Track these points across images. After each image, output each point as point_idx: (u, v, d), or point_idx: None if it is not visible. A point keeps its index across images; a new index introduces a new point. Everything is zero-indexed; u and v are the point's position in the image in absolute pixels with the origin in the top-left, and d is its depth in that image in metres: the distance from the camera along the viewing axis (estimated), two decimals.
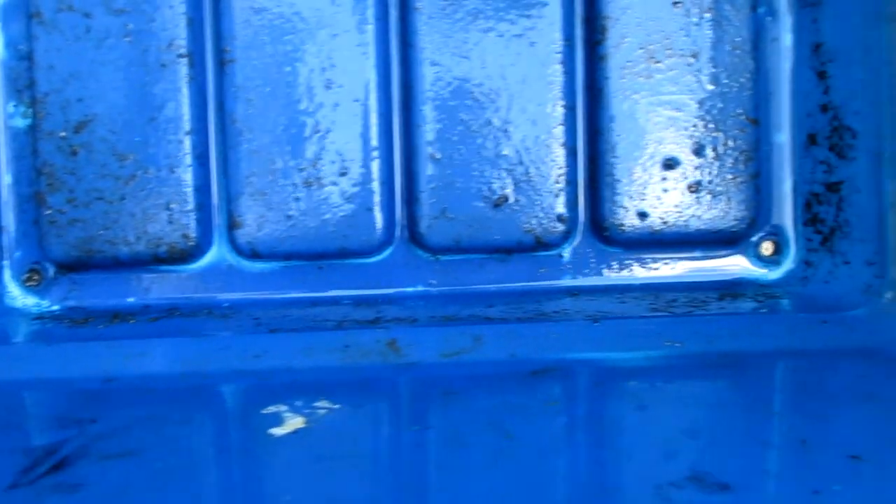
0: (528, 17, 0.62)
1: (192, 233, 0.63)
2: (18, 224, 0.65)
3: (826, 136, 0.61)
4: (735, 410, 0.43)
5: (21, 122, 0.64)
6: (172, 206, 0.63)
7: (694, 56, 0.62)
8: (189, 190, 0.63)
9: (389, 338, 0.55)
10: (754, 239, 0.65)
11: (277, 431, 0.42)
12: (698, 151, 0.63)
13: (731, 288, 0.64)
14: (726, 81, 0.62)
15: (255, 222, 0.63)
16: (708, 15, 0.62)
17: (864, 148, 0.58)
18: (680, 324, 0.56)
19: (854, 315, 0.56)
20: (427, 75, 0.62)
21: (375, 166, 0.63)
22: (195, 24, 0.63)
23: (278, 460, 0.40)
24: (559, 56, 0.62)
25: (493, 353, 0.54)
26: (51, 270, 0.65)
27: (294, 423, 0.43)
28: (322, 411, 0.45)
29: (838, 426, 0.41)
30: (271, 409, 0.45)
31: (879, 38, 0.56)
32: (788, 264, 0.65)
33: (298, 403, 0.46)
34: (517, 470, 0.37)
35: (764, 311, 0.59)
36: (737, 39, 0.62)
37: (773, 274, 0.65)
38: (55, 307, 0.65)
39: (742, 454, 0.37)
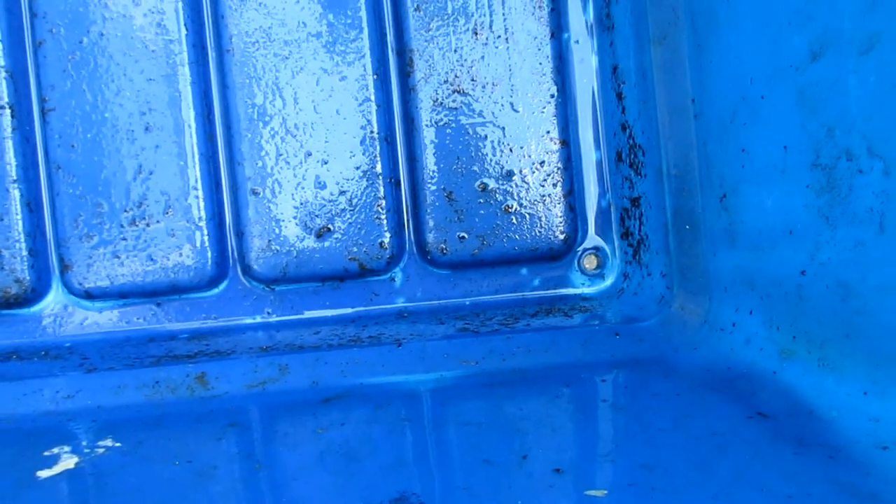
0: (340, 53, 0.65)
1: (27, 277, 0.65)
2: None
3: (627, 154, 0.64)
4: (487, 429, 0.45)
5: None
6: (3, 252, 0.65)
7: (497, 84, 0.65)
8: (20, 237, 0.65)
9: (199, 371, 0.57)
10: (578, 253, 0.67)
11: (44, 473, 0.44)
12: (509, 175, 0.65)
13: (553, 303, 0.66)
14: (532, 105, 0.65)
15: (84, 264, 0.65)
16: (509, 42, 0.65)
17: (651, 165, 0.61)
18: (481, 343, 0.58)
19: (646, 326, 0.58)
20: (243, 114, 0.65)
21: (200, 204, 0.65)
22: (15, 76, 0.65)
23: (34, 501, 0.42)
24: (369, 88, 0.65)
25: (296, 381, 0.56)
26: None
27: (65, 464, 0.45)
28: (100, 451, 0.47)
29: (570, 439, 0.44)
30: (54, 450, 0.47)
31: (651, 60, 0.59)
32: (611, 277, 0.67)
33: (84, 443, 0.48)
34: (244, 500, 0.39)
35: (574, 326, 0.61)
36: (540, 62, 0.65)
37: (598, 287, 0.67)
38: None
39: (456, 472, 0.39)
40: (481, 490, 0.37)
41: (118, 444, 0.48)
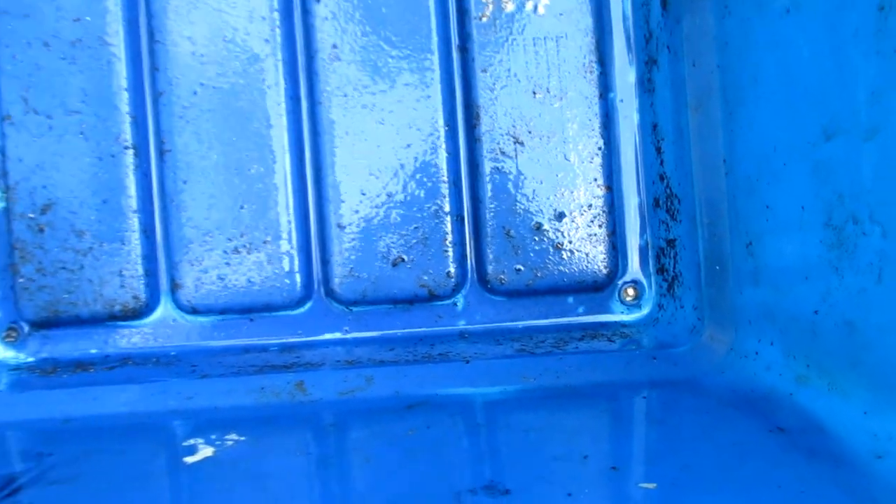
0: (417, 107, 0.75)
1: (142, 294, 0.76)
2: None
3: (664, 201, 0.74)
4: (550, 433, 0.55)
5: None
6: (124, 272, 0.75)
7: (552, 136, 0.75)
8: (138, 259, 0.76)
9: (298, 380, 0.67)
10: (618, 285, 0.77)
11: (189, 459, 0.54)
12: (560, 216, 0.75)
13: (596, 329, 0.76)
14: (581, 155, 0.75)
15: (193, 284, 0.76)
16: (563, 102, 0.75)
17: (685, 212, 0.70)
18: (537, 362, 0.68)
19: (679, 352, 0.68)
20: (331, 158, 0.75)
21: (293, 236, 0.76)
22: (138, 121, 0.76)
23: (186, 485, 0.52)
24: (442, 139, 0.75)
25: (381, 391, 0.66)
26: (25, 328, 0.77)
27: (204, 452, 0.55)
28: (229, 442, 0.57)
29: (620, 444, 0.53)
30: (191, 441, 0.57)
31: (687, 121, 0.69)
32: (647, 307, 0.77)
33: (213, 437, 0.58)
34: (360, 484, 0.49)
35: (615, 349, 0.71)
36: (589, 119, 0.75)
37: (635, 315, 0.77)
38: (30, 359, 0.77)
39: (530, 466, 0.49)
40: (556, 480, 0.47)
41: (242, 438, 0.58)
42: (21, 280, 0.75)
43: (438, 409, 0.62)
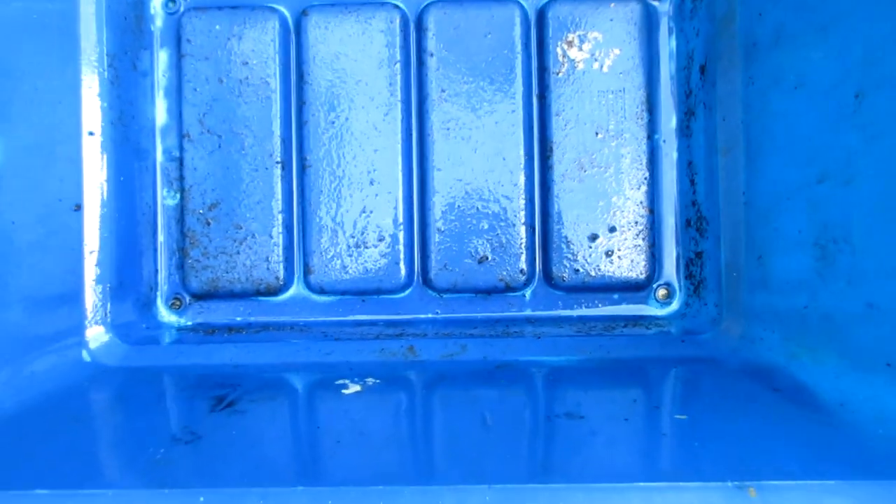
0: (502, 141, 0.96)
1: (281, 276, 0.97)
2: (168, 268, 0.99)
3: (694, 222, 0.94)
4: (605, 387, 0.75)
5: (171, 202, 0.99)
6: (269, 258, 0.97)
7: (609, 167, 0.95)
8: (279, 249, 0.97)
9: (409, 345, 0.88)
10: (654, 287, 0.97)
11: (346, 392, 0.75)
12: (612, 229, 0.96)
13: (636, 320, 0.96)
14: (630, 183, 0.96)
15: (322, 270, 0.97)
16: (619, 141, 0.96)
17: (711, 231, 0.91)
18: (592, 341, 0.88)
19: (702, 337, 0.88)
20: (435, 177, 0.96)
21: (402, 236, 0.97)
22: (285, 142, 0.97)
23: (347, 407, 0.72)
24: (522, 166, 0.96)
25: (472, 355, 0.87)
26: (188, 299, 0.99)
27: (354, 388, 0.76)
28: (370, 382, 0.78)
29: (659, 394, 0.73)
30: (340, 381, 0.78)
31: (717, 162, 0.90)
32: (676, 304, 0.97)
33: (356, 379, 0.79)
34: (477, 420, 0.69)
35: (651, 334, 0.91)
36: (639, 156, 0.96)
37: (666, 311, 0.97)
38: (189, 323, 0.99)
39: (595, 404, 0.69)
40: (616, 412, 0.67)
41: (378, 381, 0.79)
42: (189, 261, 0.97)
43: (519, 370, 0.83)
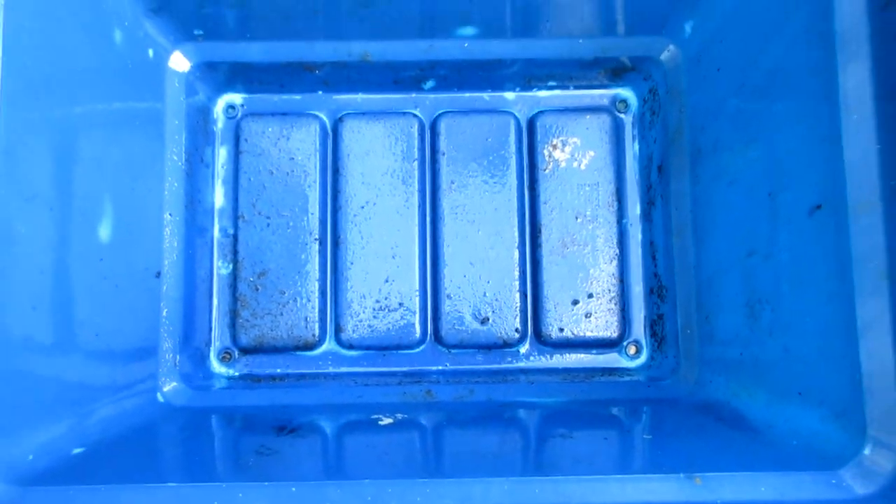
0: (500, 224, 1.18)
1: (316, 333, 1.16)
2: (220, 327, 1.18)
3: (656, 290, 1.16)
4: (593, 420, 0.95)
5: (225, 271, 1.19)
6: (307, 319, 1.16)
7: (586, 245, 1.18)
8: (315, 311, 1.17)
9: (426, 389, 1.07)
10: (624, 344, 1.18)
11: (381, 423, 0.94)
12: (590, 295, 1.17)
13: (611, 371, 1.17)
14: (604, 259, 1.18)
15: (351, 329, 1.17)
16: (594, 224, 1.18)
17: (669, 297, 1.13)
18: (576, 386, 1.08)
19: (665, 383, 1.09)
20: (445, 252, 1.18)
21: (417, 301, 1.17)
22: (322, 222, 1.19)
23: (385, 432, 0.91)
24: (516, 244, 1.18)
25: (479, 397, 1.06)
26: (237, 353, 1.17)
27: (387, 420, 0.95)
28: (399, 417, 0.97)
29: (640, 425, 0.93)
30: (375, 416, 0.97)
31: (672, 241, 1.12)
32: (643, 358, 1.18)
33: (387, 414, 0.98)
34: (487, 438, 0.88)
35: (623, 381, 1.12)
36: (610, 237, 1.18)
37: (635, 363, 1.18)
38: (237, 374, 1.17)
39: (579, 428, 0.89)
40: (595, 434, 0.86)
41: (405, 416, 0.97)
42: (239, 320, 1.16)
43: (518, 407, 1.02)
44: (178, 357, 1.07)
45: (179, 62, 1.10)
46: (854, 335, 0.74)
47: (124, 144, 0.99)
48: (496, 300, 1.17)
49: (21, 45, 0.77)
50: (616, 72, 1.19)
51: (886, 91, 0.74)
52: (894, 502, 0.67)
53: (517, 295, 1.17)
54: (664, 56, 1.14)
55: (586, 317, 1.17)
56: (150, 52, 1.04)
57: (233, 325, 1.17)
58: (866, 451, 0.72)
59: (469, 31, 1.09)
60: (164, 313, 1.07)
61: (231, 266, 1.18)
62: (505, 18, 1.07)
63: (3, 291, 0.75)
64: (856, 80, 0.77)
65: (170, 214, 1.08)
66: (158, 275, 1.06)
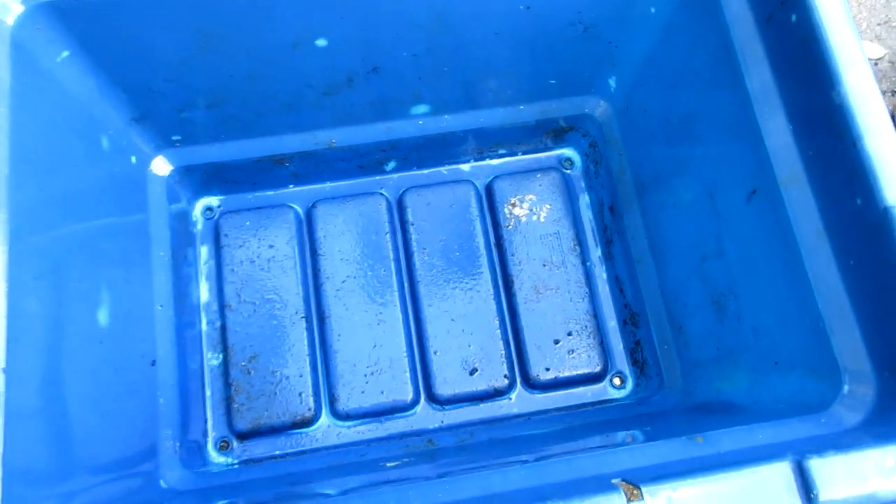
0: (475, 279, 1.25)
1: (312, 407, 1.18)
2: (215, 417, 1.19)
3: (629, 320, 1.23)
4: (592, 432, 0.98)
5: (216, 361, 1.22)
6: (301, 394, 1.19)
7: (558, 289, 1.25)
8: (309, 385, 1.19)
9: (428, 439, 1.09)
10: (609, 376, 1.23)
11: (388, 465, 0.95)
12: (569, 333, 1.23)
13: (601, 402, 1.21)
14: (576, 298, 1.25)
15: (345, 399, 1.19)
16: (562, 269, 1.27)
17: (643, 323, 1.20)
18: (570, 415, 1.12)
19: (654, 399, 1.13)
20: (427, 312, 1.23)
21: (406, 362, 1.21)
22: (306, 301, 1.24)
23: (394, 469, 0.92)
24: (492, 295, 1.25)
25: (480, 438, 1.09)
26: (234, 441, 1.18)
27: (394, 463, 0.97)
28: (405, 460, 0.98)
29: (637, 430, 0.97)
30: (382, 462, 0.99)
31: (636, 271, 1.21)
32: (629, 387, 1.22)
33: (393, 463, 0.99)
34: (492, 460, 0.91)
35: (611, 407, 1.16)
36: (578, 278, 1.26)
37: (622, 393, 1.22)
38: (236, 462, 1.17)
39: (587, 438, 0.92)
40: (610, 436, 0.90)
41: (411, 459, 0.99)
42: (234, 405, 1.18)
43: (516, 441, 1.05)
44: (177, 444, 1.08)
45: (160, 167, 1.19)
46: (809, 289, 0.82)
47: (117, 240, 1.06)
48: (482, 350, 1.22)
49: (27, 151, 0.85)
50: (557, 133, 1.32)
51: (786, 82, 0.87)
52: (882, 426, 0.72)
53: (500, 343, 1.23)
54: (597, 112, 1.28)
55: (569, 353, 1.22)
56: (133, 159, 1.13)
57: (228, 411, 1.18)
58: (845, 389, 0.78)
59: (422, 108, 1.22)
60: (162, 401, 1.08)
61: (221, 356, 1.21)
62: (452, 93, 1.20)
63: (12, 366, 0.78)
64: (760, 80, 0.90)
65: (160, 306, 1.12)
66: (154, 363, 1.09)
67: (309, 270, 1.26)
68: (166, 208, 1.18)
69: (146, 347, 1.08)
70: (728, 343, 0.99)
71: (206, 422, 1.18)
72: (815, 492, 0.64)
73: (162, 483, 1.04)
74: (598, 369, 1.22)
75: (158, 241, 1.16)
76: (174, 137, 1.16)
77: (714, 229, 1.01)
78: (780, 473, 0.66)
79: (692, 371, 1.09)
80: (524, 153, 1.35)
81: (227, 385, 1.19)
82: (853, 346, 0.78)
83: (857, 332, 0.78)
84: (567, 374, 1.21)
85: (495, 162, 1.35)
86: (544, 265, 1.27)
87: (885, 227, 0.73)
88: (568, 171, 1.35)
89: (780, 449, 0.68)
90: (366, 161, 1.28)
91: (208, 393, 1.20)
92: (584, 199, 1.33)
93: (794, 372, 0.86)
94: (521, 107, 1.26)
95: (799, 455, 0.66)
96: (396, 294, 1.24)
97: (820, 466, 0.65)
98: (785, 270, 0.86)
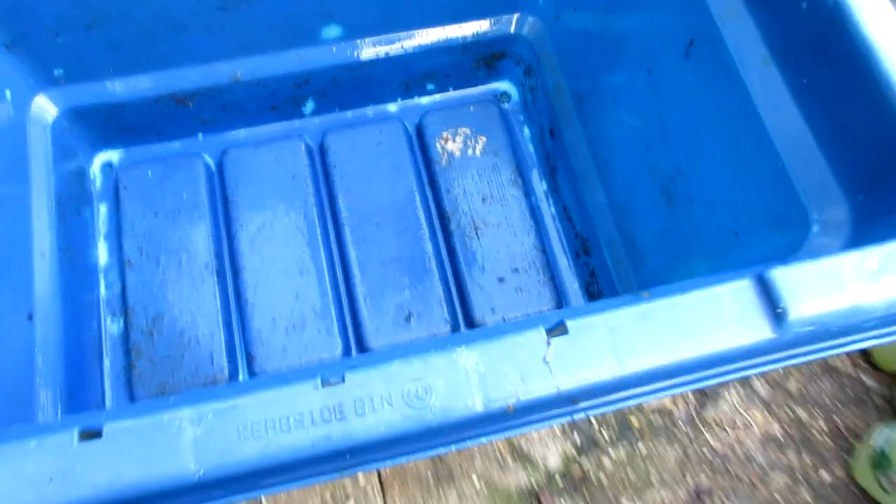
0: (408, 217, 1.12)
1: (226, 368, 1.03)
2: (114, 387, 1.03)
3: (581, 251, 1.10)
4: None
5: (116, 328, 1.06)
6: (213, 355, 1.04)
7: (499, 224, 1.12)
8: (222, 345, 1.04)
9: None
10: None
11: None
12: (515, 270, 1.10)
13: None
14: (520, 233, 1.12)
15: (264, 358, 1.04)
16: (503, 203, 1.14)
17: (595, 250, 1.06)
18: None
19: None
20: (354, 256, 1.10)
21: (333, 310, 1.07)
22: (217, 254, 1.10)
23: None
24: (427, 236, 1.12)
25: None
26: None
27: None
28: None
29: None
30: None
31: (583, 194, 1.08)
32: None
33: None
34: None
35: None
36: (522, 212, 1.14)
37: None
38: None
39: None
40: None
41: None
42: (135, 371, 1.02)
43: None
44: (59, 408, 0.92)
45: (44, 109, 1.07)
46: (762, 128, 0.70)
47: None
48: (418, 294, 1.08)
49: None
50: (489, 62, 1.22)
51: None
52: (861, 247, 0.59)
53: (438, 284, 1.09)
54: (526, 30, 1.18)
55: (517, 292, 1.08)
56: (8, 94, 1.01)
57: (129, 380, 1.03)
58: (815, 229, 0.65)
59: (334, 30, 1.11)
60: (40, 361, 0.93)
61: (122, 320, 1.06)
62: (366, 9, 1.09)
63: None
64: None
65: (42, 255, 0.98)
66: (30, 317, 0.93)
67: (221, 220, 1.13)
68: (50, 154, 1.05)
69: (20, 299, 0.93)
70: (684, 233, 0.86)
71: (103, 393, 1.03)
72: (781, 306, 0.51)
73: None
74: (550, 304, 1.08)
75: (40, 186, 1.02)
76: (56, 72, 1.04)
77: (655, 109, 0.89)
78: (738, 291, 0.53)
79: (651, 284, 0.95)
80: (455, 88, 1.24)
81: (128, 352, 1.04)
82: (819, 178, 0.66)
83: (822, 160, 0.66)
84: (515, 314, 1.07)
85: (425, 100, 1.24)
86: (483, 200, 1.14)
87: (837, 20, 0.62)
88: (505, 106, 1.23)
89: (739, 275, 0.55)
90: (279, 101, 1.17)
91: (107, 363, 1.04)
92: (525, 133, 1.21)
93: (757, 233, 0.73)
94: (446, 27, 1.15)
95: (761, 270, 0.53)
96: (320, 240, 1.11)
97: (785, 276, 0.52)
98: (734, 119, 0.74)
